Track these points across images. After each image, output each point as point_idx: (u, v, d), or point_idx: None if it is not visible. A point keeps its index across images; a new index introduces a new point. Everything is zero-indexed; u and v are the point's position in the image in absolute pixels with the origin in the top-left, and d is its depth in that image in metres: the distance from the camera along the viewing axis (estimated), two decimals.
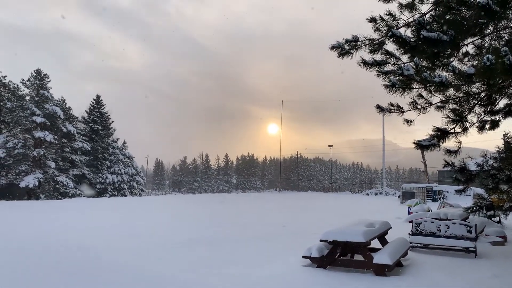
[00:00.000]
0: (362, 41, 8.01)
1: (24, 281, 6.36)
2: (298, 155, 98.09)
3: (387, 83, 7.02)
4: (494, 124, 9.08)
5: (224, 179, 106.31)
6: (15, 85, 38.19)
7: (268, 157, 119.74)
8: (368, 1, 8.63)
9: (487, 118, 8.91)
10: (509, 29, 7.56)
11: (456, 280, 6.40)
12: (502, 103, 8.81)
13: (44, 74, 39.84)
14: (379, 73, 7.57)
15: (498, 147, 9.86)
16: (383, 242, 8.02)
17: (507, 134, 9.64)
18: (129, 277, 6.65)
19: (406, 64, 7.21)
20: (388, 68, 7.59)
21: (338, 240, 6.93)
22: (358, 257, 7.47)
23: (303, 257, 7.27)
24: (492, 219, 12.33)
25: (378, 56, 7.81)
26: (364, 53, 8.01)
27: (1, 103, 36.90)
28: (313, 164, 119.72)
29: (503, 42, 7.75)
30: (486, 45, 8.20)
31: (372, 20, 8.11)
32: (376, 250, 7.38)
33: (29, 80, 39.01)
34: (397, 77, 7.00)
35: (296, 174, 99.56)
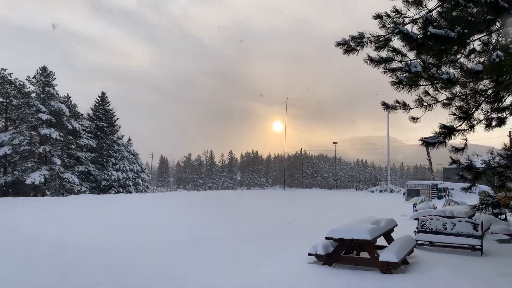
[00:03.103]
0: (368, 38, 7.99)
1: (34, 279, 6.42)
2: (303, 152, 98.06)
3: (394, 80, 7.00)
4: (501, 122, 9.03)
5: (229, 176, 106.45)
6: (21, 83, 38.37)
7: (272, 154, 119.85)
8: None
9: (493, 115, 8.86)
10: None
11: (462, 278, 6.39)
12: (509, 100, 8.77)
13: (50, 72, 40.02)
14: (385, 70, 7.55)
15: (505, 144, 9.81)
16: (389, 239, 8.01)
17: None
18: (133, 276, 6.68)
19: (413, 61, 7.17)
20: (395, 65, 7.56)
21: (344, 238, 6.93)
22: (364, 254, 7.46)
23: (309, 254, 7.27)
24: (499, 216, 12.27)
25: (384, 53, 7.78)
26: (370, 50, 7.99)
27: (7, 101, 37.10)
28: (317, 161, 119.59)
29: (510, 39, 7.69)
30: (493, 42, 8.14)
31: (378, 17, 8.06)
32: (382, 247, 7.37)
33: (34, 77, 39.19)
34: (404, 74, 6.97)
35: (300, 171, 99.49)
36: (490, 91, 8.06)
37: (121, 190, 45.91)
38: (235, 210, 20.82)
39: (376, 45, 7.97)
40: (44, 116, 36.85)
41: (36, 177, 35.05)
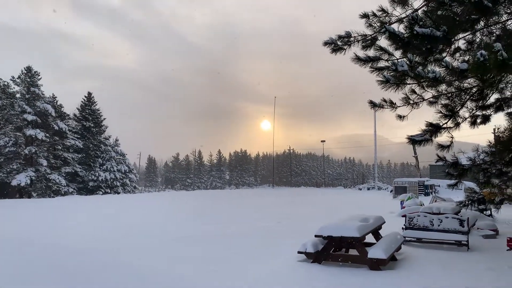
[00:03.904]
0: (354, 37, 8.05)
1: (25, 282, 6.35)
2: (291, 151, 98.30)
3: (381, 79, 7.06)
4: (486, 119, 9.19)
5: (217, 175, 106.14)
6: (5, 83, 37.71)
7: (261, 153, 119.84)
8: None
9: (478, 113, 9.01)
10: (500, 25, 7.63)
11: (450, 273, 6.48)
12: (493, 98, 8.93)
13: (35, 72, 39.40)
14: (372, 69, 7.62)
15: (489, 142, 9.98)
16: (377, 236, 8.09)
17: (498, 128, 9.76)
18: (124, 274, 6.65)
19: (400, 60, 7.25)
20: (382, 64, 7.63)
21: (333, 235, 6.98)
22: (353, 251, 7.53)
23: (298, 252, 7.31)
24: (484, 212, 12.48)
25: (371, 52, 7.85)
26: (357, 49, 8.05)
27: None
28: (305, 159, 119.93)
29: (494, 38, 7.83)
30: (477, 41, 8.28)
31: (364, 16, 8.13)
32: (370, 244, 7.44)
33: (19, 77, 38.54)
34: (391, 73, 7.04)
35: (289, 170, 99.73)
36: (475, 89, 8.19)
37: (109, 191, 45.53)
38: (224, 210, 20.82)
39: (363, 44, 8.03)
40: (30, 117, 36.34)
41: (22, 179, 34.57)
